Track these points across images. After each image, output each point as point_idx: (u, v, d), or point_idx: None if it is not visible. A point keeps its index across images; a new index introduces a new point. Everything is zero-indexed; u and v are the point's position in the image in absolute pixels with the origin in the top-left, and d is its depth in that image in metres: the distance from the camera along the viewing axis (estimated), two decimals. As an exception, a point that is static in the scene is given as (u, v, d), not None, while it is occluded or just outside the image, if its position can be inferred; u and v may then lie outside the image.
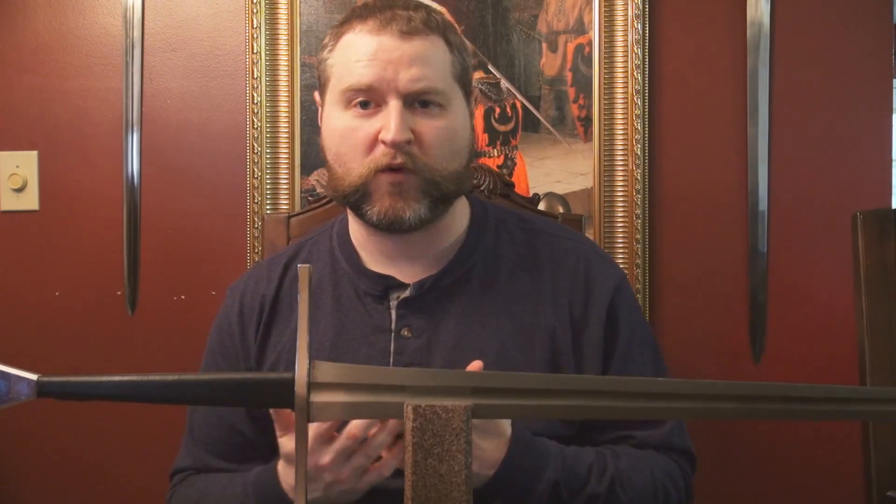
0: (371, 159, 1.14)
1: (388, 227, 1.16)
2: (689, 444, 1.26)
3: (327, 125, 1.19)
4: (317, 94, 1.25)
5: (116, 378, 0.86)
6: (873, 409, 0.88)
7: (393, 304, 1.20)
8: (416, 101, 1.14)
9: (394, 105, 1.12)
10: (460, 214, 1.25)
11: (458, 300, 1.21)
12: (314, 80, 1.97)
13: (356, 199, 1.16)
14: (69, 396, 0.85)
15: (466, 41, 1.23)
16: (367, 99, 1.14)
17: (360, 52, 1.14)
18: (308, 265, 0.84)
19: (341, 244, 1.27)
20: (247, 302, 1.27)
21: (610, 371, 1.21)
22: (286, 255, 1.31)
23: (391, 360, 1.18)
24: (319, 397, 0.83)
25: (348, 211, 1.25)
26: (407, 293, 1.20)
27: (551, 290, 1.23)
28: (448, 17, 1.22)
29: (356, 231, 1.25)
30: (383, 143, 1.12)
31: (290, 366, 0.85)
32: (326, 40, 1.21)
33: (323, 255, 1.28)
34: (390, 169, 1.13)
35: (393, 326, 1.19)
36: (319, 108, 1.24)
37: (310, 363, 0.84)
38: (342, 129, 1.16)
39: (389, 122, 1.12)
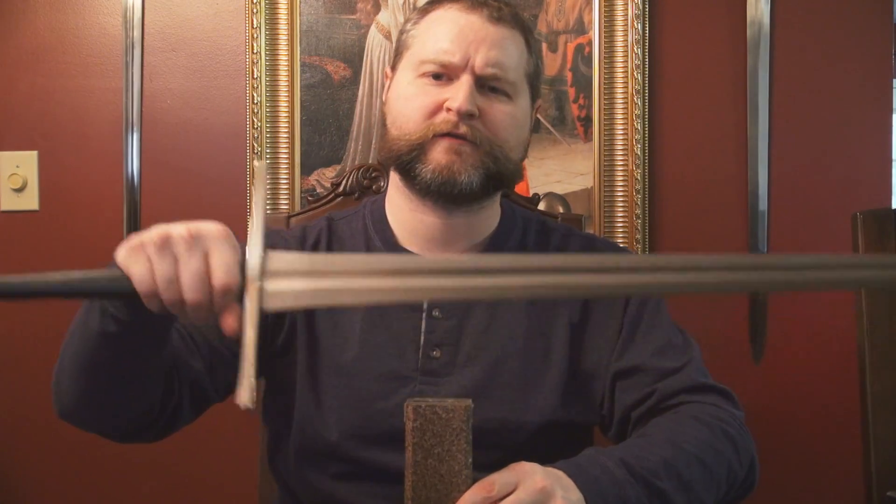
0: (431, 122, 1.15)
1: (439, 188, 1.15)
2: (712, 380, 1.21)
3: (395, 89, 1.21)
4: (388, 69, 1.27)
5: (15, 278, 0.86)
6: (867, 275, 0.85)
7: None
8: (487, 85, 1.16)
9: (465, 79, 1.14)
10: (495, 212, 1.26)
11: None
12: (314, 80, 1.98)
13: (410, 157, 1.16)
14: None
15: (541, 53, 1.28)
16: (442, 72, 1.16)
17: (446, 26, 1.17)
18: (263, 162, 0.83)
19: (375, 223, 1.26)
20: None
21: (634, 339, 1.20)
22: (317, 228, 1.30)
23: (422, 339, 1.18)
24: (273, 284, 0.83)
25: (392, 185, 1.25)
26: None
27: None
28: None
29: (398, 206, 1.25)
30: (448, 110, 1.14)
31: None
32: (412, 15, 1.24)
33: (357, 232, 1.28)
34: (450, 135, 1.15)
35: (424, 306, 1.20)
36: (388, 82, 1.25)
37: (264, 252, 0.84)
38: (409, 93, 1.18)
39: (459, 92, 1.14)
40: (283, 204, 1.95)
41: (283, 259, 0.84)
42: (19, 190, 1.99)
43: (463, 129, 1.14)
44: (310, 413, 1.18)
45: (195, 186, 1.99)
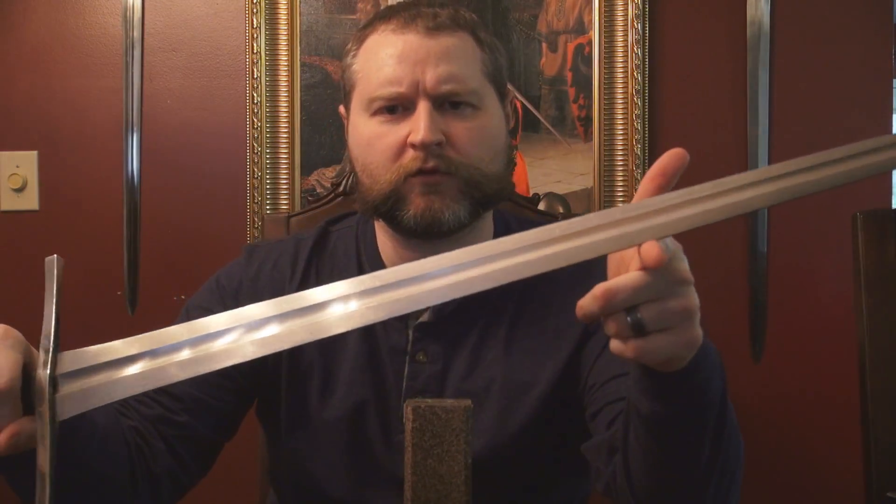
0: (399, 164, 1.06)
1: (425, 230, 1.07)
2: None
3: (354, 134, 1.13)
4: (342, 108, 1.18)
5: None
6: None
7: (411, 324, 1.14)
8: (447, 103, 1.07)
9: (423, 107, 1.05)
10: (487, 229, 1.18)
11: (474, 326, 1.14)
12: (314, 80, 1.97)
13: (388, 206, 1.08)
14: None
15: (497, 41, 1.16)
16: (395, 104, 1.07)
17: (384, 54, 1.08)
18: (56, 256, 0.76)
19: (368, 248, 1.19)
20: (262, 282, 1.19)
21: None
22: (310, 241, 1.21)
23: (404, 384, 1.12)
24: (66, 389, 0.74)
25: (377, 223, 1.17)
26: (425, 317, 1.13)
27: (561, 305, 1.14)
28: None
29: (383, 242, 1.17)
30: (412, 146, 1.05)
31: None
32: (350, 45, 1.15)
33: (350, 251, 1.20)
34: (422, 172, 1.05)
35: (409, 349, 1.13)
36: (345, 122, 1.17)
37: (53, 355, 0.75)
38: (368, 136, 1.09)
39: (418, 123, 1.05)
40: (283, 204, 1.95)
41: (74, 359, 0.75)
42: (19, 190, 1.99)
43: (432, 162, 1.05)
44: (298, 456, 1.15)
45: (195, 186, 1.99)
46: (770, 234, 1.95)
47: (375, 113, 1.08)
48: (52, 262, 0.76)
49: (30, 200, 2.00)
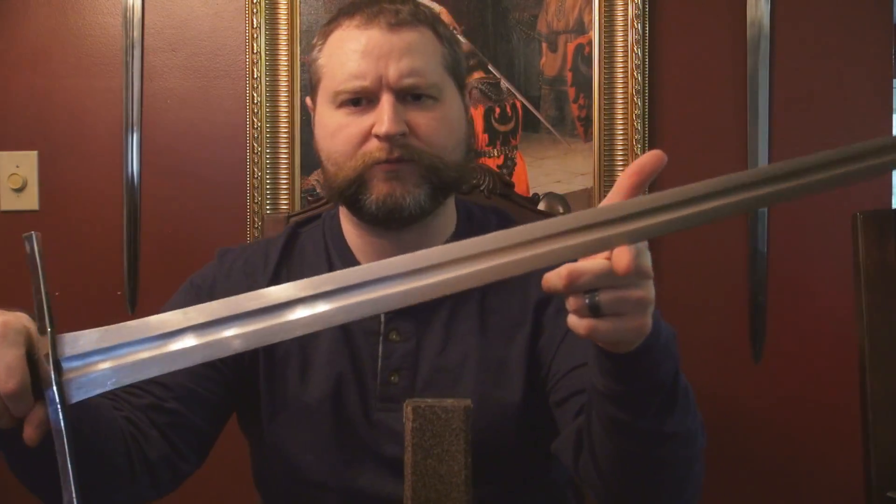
0: (364, 152, 1.11)
1: (387, 216, 1.12)
2: None
3: (319, 126, 1.18)
4: (308, 100, 1.23)
5: None
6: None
7: None
8: (409, 95, 1.12)
9: (386, 99, 1.10)
10: (450, 217, 1.22)
11: (444, 301, 1.17)
12: (314, 80, 1.97)
13: (352, 191, 1.13)
14: None
15: (458, 36, 1.22)
16: (360, 97, 1.12)
17: (348, 49, 1.13)
18: (35, 233, 0.80)
19: (335, 239, 1.23)
20: (234, 277, 1.22)
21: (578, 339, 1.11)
22: (280, 241, 1.26)
23: (379, 363, 1.15)
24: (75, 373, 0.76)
25: (342, 210, 1.22)
26: None
27: (524, 282, 1.17)
28: (446, 15, 1.20)
29: (349, 231, 1.22)
30: (377, 136, 1.10)
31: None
32: (315, 41, 1.20)
33: (318, 245, 1.25)
34: (386, 161, 1.11)
35: (382, 329, 1.17)
36: (312, 113, 1.21)
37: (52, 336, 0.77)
38: (334, 127, 1.14)
39: (382, 115, 1.10)
40: (283, 204, 1.95)
41: (75, 343, 0.77)
42: (19, 190, 1.99)
43: (396, 152, 1.10)
44: (282, 446, 1.17)
45: (195, 186, 1.99)
46: (770, 234, 1.95)
47: (341, 105, 1.14)
48: (31, 237, 0.77)
49: (30, 200, 2.00)
